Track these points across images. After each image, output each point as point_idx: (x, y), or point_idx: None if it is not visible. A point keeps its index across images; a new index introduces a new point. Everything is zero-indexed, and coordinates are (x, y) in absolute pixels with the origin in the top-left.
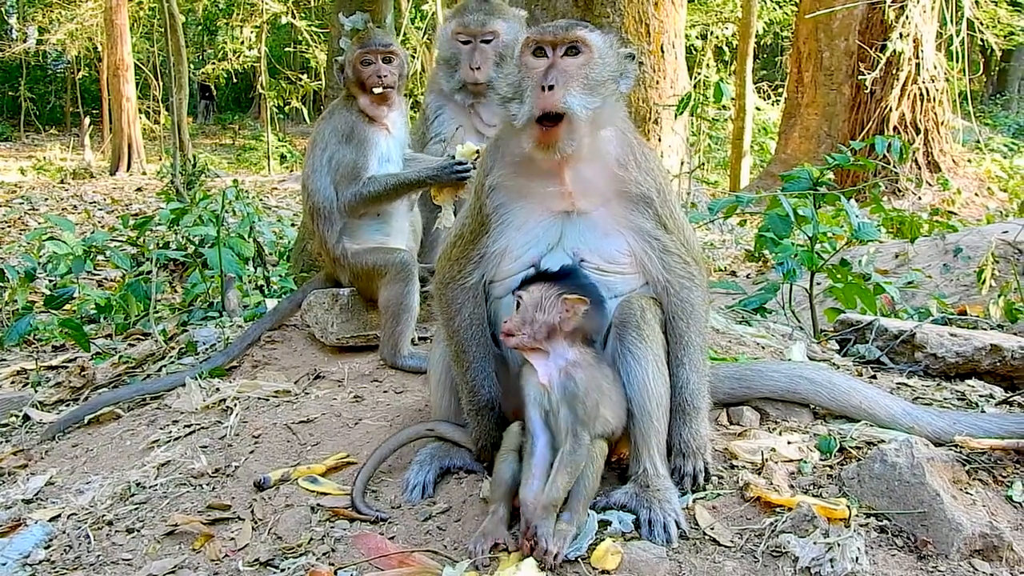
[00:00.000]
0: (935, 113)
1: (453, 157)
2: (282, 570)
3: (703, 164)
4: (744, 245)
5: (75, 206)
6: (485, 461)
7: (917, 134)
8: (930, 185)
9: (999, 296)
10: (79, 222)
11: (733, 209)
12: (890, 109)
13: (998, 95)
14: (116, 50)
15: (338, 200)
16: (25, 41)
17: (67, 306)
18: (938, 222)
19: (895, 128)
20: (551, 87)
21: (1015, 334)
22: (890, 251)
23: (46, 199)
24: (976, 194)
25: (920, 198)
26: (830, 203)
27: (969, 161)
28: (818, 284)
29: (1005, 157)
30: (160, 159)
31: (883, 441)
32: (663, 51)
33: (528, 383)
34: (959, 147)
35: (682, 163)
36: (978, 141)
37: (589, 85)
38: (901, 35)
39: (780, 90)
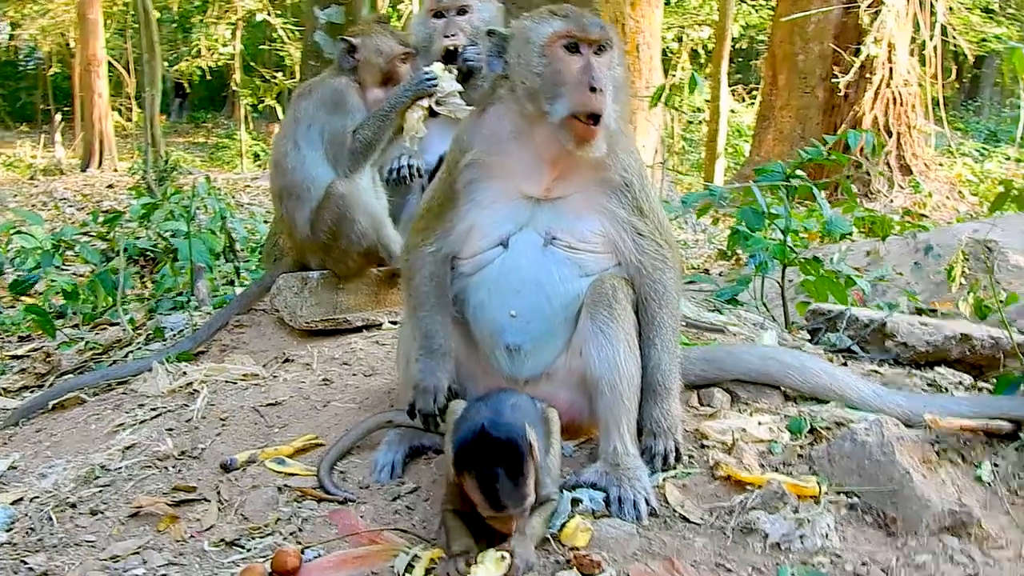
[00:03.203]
0: (907, 117)
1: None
2: (248, 549)
3: (675, 168)
4: (717, 244)
5: (45, 203)
6: (424, 413)
7: (889, 137)
8: (902, 188)
9: (969, 293)
10: (49, 219)
11: (707, 208)
12: (863, 112)
13: (970, 101)
14: (88, 45)
15: (340, 171)
16: None
17: (35, 299)
18: (909, 223)
19: (867, 131)
20: (601, 90)
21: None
22: (861, 249)
23: (15, 195)
24: (947, 197)
25: (892, 200)
26: (803, 195)
27: (940, 165)
28: (790, 282)
29: (977, 162)
30: (132, 156)
31: (853, 421)
32: (638, 51)
33: None
34: (931, 151)
35: (656, 151)
36: (949, 146)
37: (615, 88)
38: (875, 39)
39: (755, 93)
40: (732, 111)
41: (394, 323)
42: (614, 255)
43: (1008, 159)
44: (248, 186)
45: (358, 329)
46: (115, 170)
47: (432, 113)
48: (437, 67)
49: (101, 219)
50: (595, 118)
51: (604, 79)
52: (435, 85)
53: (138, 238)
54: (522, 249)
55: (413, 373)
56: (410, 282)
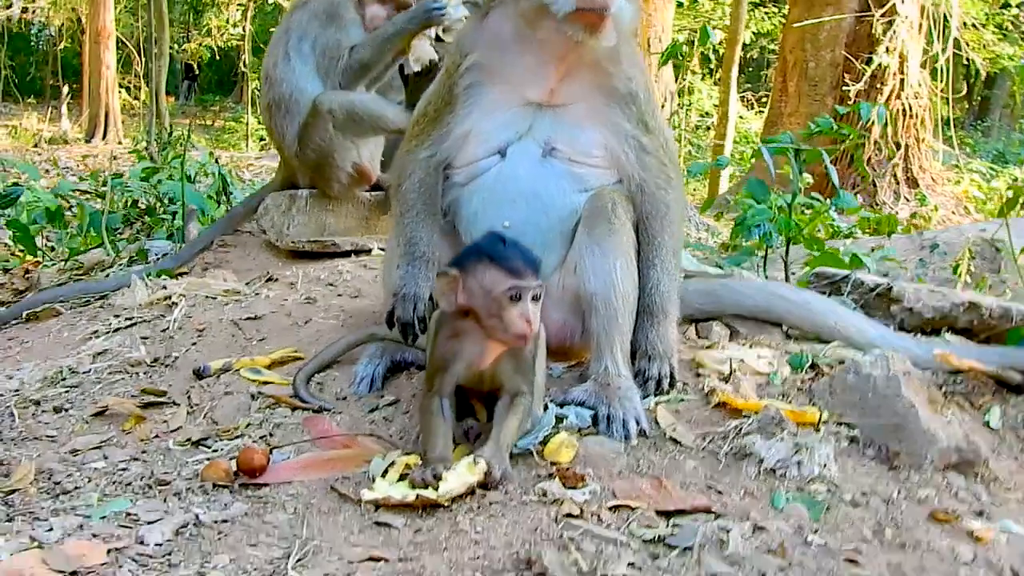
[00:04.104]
0: (916, 129)
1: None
2: (214, 450)
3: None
4: (719, 240)
5: (48, 170)
6: (403, 322)
7: (897, 149)
8: (908, 201)
9: (976, 290)
10: (51, 185)
11: (709, 203)
12: (872, 122)
13: (979, 122)
14: (98, 16)
15: (329, 86)
16: (9, 7)
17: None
18: (914, 225)
19: (876, 142)
20: None
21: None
22: (866, 246)
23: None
24: (953, 212)
25: (897, 213)
26: (812, 161)
27: (948, 181)
28: (793, 274)
29: (985, 179)
30: (138, 132)
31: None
32: (649, 45)
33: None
34: (939, 165)
35: (663, 105)
36: (957, 163)
37: None
38: (887, 49)
39: (765, 100)
40: (741, 117)
41: (384, 250)
42: (615, 171)
43: (1016, 180)
44: (251, 165)
45: (346, 254)
46: (119, 143)
47: (438, 39)
48: None
49: (101, 180)
50: (603, 10)
51: None
52: (443, 13)
53: (136, 201)
54: (520, 159)
55: (394, 280)
56: (399, 187)
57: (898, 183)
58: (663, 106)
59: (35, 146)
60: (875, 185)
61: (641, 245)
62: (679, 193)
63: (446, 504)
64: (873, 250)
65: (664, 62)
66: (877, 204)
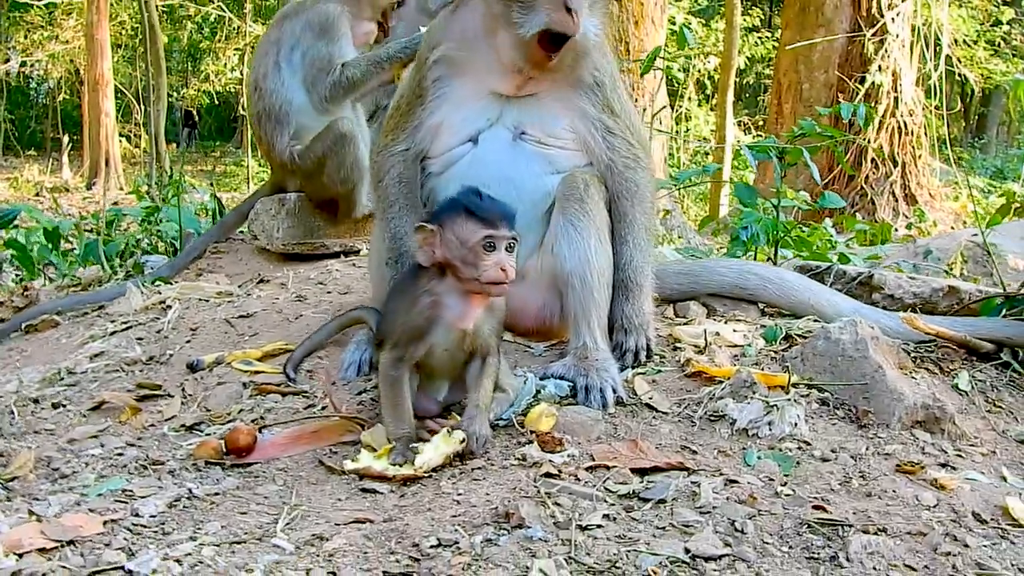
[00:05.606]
0: (913, 147)
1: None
2: (207, 434)
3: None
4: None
5: (50, 219)
6: None
7: (895, 167)
8: (906, 217)
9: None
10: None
11: (707, 221)
12: (868, 141)
13: (977, 139)
14: (96, 65)
15: (314, 97)
16: (7, 61)
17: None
18: (910, 237)
19: (872, 160)
20: (576, 11)
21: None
22: (860, 254)
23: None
24: (952, 227)
25: (896, 230)
26: (795, 161)
27: (946, 197)
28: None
29: (983, 194)
30: (139, 177)
31: None
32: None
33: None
34: (936, 182)
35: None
36: (955, 180)
37: (591, 3)
38: (880, 68)
39: (762, 124)
40: (738, 141)
41: None
42: (584, 153)
43: (1014, 195)
44: None
45: (335, 254)
46: (120, 189)
47: None
48: None
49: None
50: (562, 38)
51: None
52: None
53: (138, 240)
54: (491, 145)
55: (387, 280)
56: (379, 183)
57: (896, 200)
58: (645, 109)
59: (37, 195)
60: (874, 203)
61: (614, 223)
62: (648, 172)
63: (426, 474)
64: (867, 259)
65: (645, 70)
66: (876, 221)
